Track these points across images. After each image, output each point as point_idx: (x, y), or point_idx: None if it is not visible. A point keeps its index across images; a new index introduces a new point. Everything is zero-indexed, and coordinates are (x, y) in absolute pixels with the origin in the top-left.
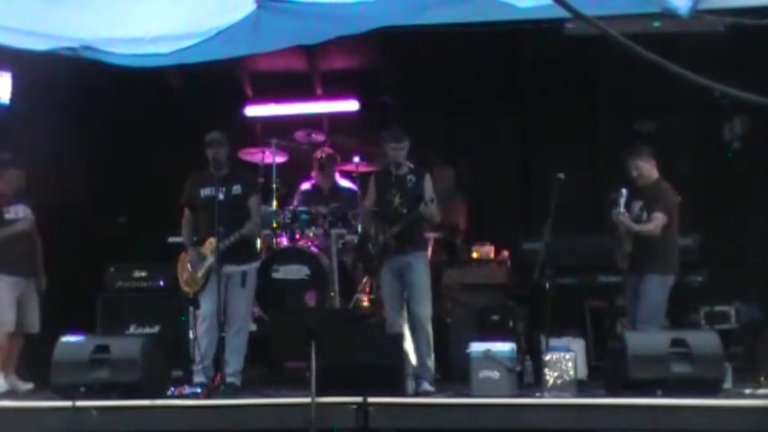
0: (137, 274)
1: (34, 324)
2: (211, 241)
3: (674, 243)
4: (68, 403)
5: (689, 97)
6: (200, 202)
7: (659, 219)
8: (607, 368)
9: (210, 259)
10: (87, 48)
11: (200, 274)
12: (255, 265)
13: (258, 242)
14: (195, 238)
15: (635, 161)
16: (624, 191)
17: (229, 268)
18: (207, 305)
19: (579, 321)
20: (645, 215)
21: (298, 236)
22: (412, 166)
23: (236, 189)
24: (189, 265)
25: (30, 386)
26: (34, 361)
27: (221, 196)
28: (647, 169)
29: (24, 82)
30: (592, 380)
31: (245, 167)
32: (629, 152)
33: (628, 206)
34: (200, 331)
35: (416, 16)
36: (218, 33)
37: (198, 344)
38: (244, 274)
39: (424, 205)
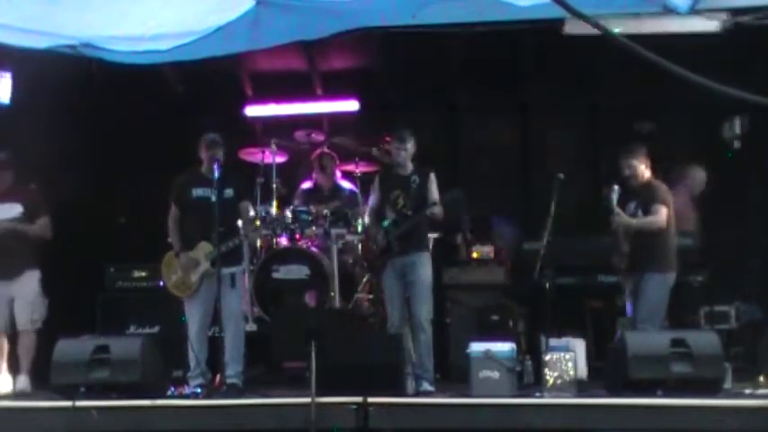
0: (137, 274)
1: (20, 321)
2: (204, 246)
3: (671, 241)
4: (68, 403)
5: (689, 97)
6: (190, 202)
7: (662, 211)
8: (607, 368)
9: (205, 264)
10: (87, 45)
11: (194, 279)
12: (242, 266)
13: (258, 242)
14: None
15: (628, 161)
16: (617, 187)
17: (221, 270)
18: (198, 309)
19: (579, 321)
20: (640, 213)
21: (298, 236)
22: (416, 166)
23: (228, 192)
24: (181, 269)
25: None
26: (34, 361)
27: (213, 198)
28: (641, 169)
29: (25, 82)
30: (592, 380)
31: (236, 170)
32: (623, 152)
33: (622, 205)
34: (192, 335)
35: (416, 12)
36: (217, 30)
37: (192, 348)
38: (232, 275)
39: (429, 207)
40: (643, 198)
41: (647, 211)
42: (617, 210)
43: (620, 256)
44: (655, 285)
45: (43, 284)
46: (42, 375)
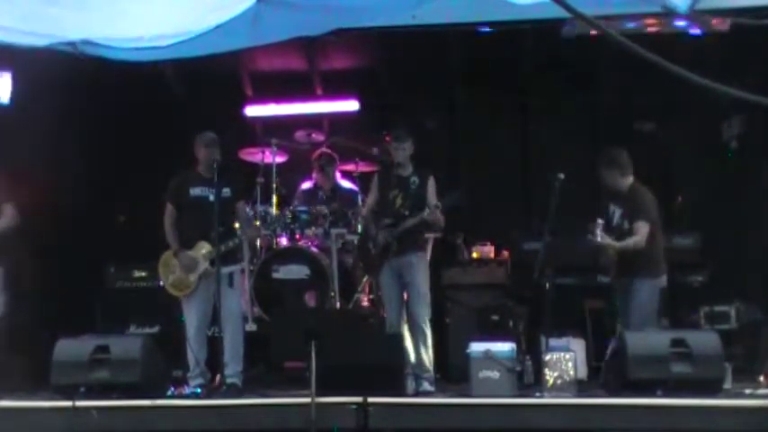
0: (137, 274)
1: None
2: (202, 245)
3: (659, 244)
4: (68, 403)
5: (689, 97)
6: (188, 202)
7: (643, 229)
8: (607, 368)
9: (204, 264)
10: (86, 42)
11: (192, 278)
12: (240, 266)
13: (258, 242)
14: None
15: (609, 171)
16: (600, 221)
17: (220, 270)
18: (196, 309)
19: (579, 321)
20: (626, 224)
21: (298, 236)
22: (416, 167)
23: (226, 192)
24: (179, 269)
25: None
26: (34, 361)
27: (211, 197)
28: (621, 179)
29: (24, 82)
30: (592, 380)
31: (231, 169)
32: (600, 162)
33: (606, 216)
34: (191, 335)
35: (416, 11)
36: (217, 27)
37: (190, 348)
38: (231, 274)
39: (429, 211)
40: (627, 207)
41: (631, 222)
42: (599, 239)
43: (611, 265)
44: (646, 289)
45: (4, 280)
46: (42, 375)
